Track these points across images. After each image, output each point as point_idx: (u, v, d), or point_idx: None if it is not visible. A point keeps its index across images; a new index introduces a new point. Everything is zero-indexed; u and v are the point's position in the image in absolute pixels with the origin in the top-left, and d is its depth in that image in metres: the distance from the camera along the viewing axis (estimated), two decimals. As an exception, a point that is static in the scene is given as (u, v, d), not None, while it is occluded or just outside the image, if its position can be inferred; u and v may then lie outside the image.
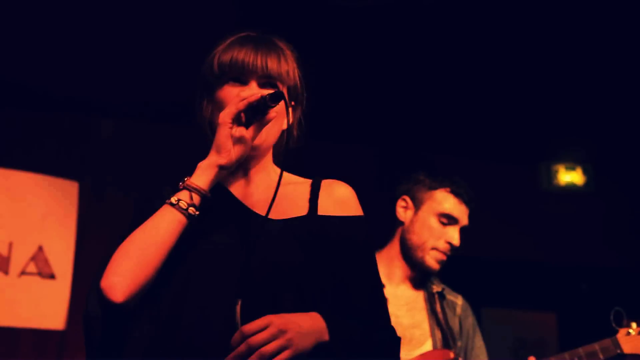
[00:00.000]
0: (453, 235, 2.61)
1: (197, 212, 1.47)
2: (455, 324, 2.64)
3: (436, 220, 2.62)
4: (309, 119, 1.72)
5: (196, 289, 1.45)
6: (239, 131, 1.50)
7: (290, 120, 1.63)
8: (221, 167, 1.50)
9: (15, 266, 4.31)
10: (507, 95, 4.32)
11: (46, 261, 4.35)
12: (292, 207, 1.58)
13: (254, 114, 1.51)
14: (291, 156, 1.61)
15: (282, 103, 1.53)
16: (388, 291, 2.60)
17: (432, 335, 2.58)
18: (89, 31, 3.71)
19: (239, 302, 1.40)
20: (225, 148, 1.49)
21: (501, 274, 5.08)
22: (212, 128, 1.57)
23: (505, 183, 5.17)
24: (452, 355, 2.52)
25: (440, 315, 2.61)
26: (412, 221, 2.65)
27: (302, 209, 1.58)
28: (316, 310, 1.44)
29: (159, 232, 1.44)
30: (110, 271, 1.41)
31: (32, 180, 4.43)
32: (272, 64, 1.58)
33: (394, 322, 2.50)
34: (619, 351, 2.53)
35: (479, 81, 4.17)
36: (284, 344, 1.35)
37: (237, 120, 1.50)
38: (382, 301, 1.59)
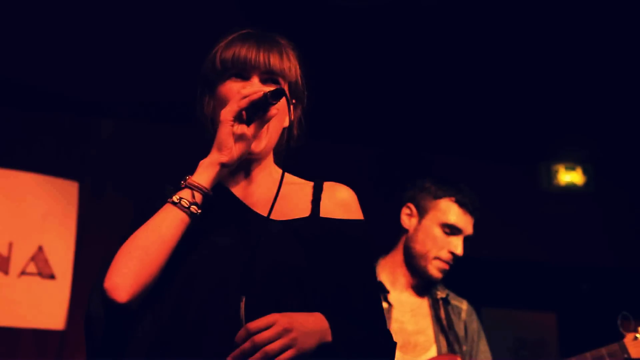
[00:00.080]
0: (457, 245, 2.60)
1: (199, 211, 1.47)
2: (460, 328, 2.64)
3: (440, 230, 2.61)
4: (310, 119, 1.72)
5: (198, 288, 1.44)
6: (241, 129, 1.49)
7: (292, 118, 1.63)
8: (223, 165, 1.49)
9: (15, 266, 4.30)
10: (507, 96, 4.32)
11: (46, 261, 4.35)
12: (293, 208, 1.58)
13: (255, 111, 1.51)
14: (291, 156, 1.61)
15: (283, 100, 1.53)
16: (392, 297, 2.61)
17: (437, 341, 2.58)
18: (89, 31, 3.71)
19: (243, 299, 1.40)
20: (227, 146, 1.48)
21: (501, 274, 5.08)
22: (214, 124, 1.57)
23: (505, 183, 5.16)
24: (459, 359, 2.53)
25: (445, 322, 2.61)
26: (416, 229, 2.64)
27: (304, 211, 1.58)
28: (316, 312, 1.44)
29: (161, 231, 1.44)
30: (114, 272, 1.41)
31: (32, 180, 4.43)
32: (275, 60, 1.58)
33: (398, 328, 2.55)
34: (626, 356, 2.52)
35: (479, 81, 4.17)
36: (289, 343, 1.35)
37: (238, 118, 1.50)
38: (379, 305, 1.60)
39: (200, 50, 1.74)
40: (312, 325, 1.40)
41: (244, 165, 1.60)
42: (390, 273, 2.66)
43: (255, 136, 1.53)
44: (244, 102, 1.49)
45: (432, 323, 2.61)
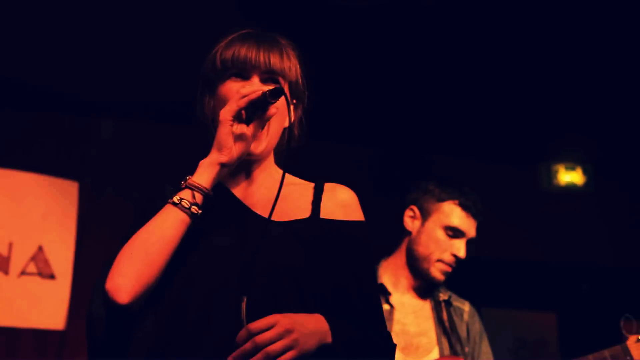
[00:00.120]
0: (459, 248, 2.60)
1: (200, 211, 1.47)
2: (462, 330, 2.64)
3: (443, 232, 2.61)
4: (310, 119, 1.71)
5: (199, 289, 1.44)
6: (240, 128, 1.49)
7: (292, 118, 1.63)
8: (223, 165, 1.49)
9: (15, 266, 4.31)
10: (506, 95, 4.32)
11: (46, 261, 4.35)
12: (294, 209, 1.58)
13: (255, 111, 1.50)
14: (292, 156, 1.61)
15: (283, 100, 1.53)
16: (395, 299, 2.61)
17: (439, 343, 2.58)
18: (89, 31, 3.71)
19: (245, 300, 1.40)
20: (227, 146, 1.48)
21: (501, 274, 5.08)
22: (214, 124, 1.56)
23: (505, 183, 5.16)
24: None
25: (447, 324, 2.61)
26: (419, 232, 2.64)
27: (304, 212, 1.58)
28: (317, 313, 1.44)
29: (162, 232, 1.44)
30: (115, 273, 1.41)
31: (32, 180, 4.43)
32: (275, 59, 1.58)
33: (400, 330, 2.55)
34: (628, 358, 2.51)
35: (479, 81, 4.17)
36: (290, 344, 1.35)
37: (237, 118, 1.50)
38: (379, 306, 1.60)
39: (200, 50, 1.74)
40: (312, 326, 1.40)
41: (245, 166, 1.60)
42: (393, 275, 2.66)
43: (255, 135, 1.52)
44: (243, 102, 1.48)
45: (435, 325, 2.61)
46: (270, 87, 1.50)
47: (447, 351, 2.56)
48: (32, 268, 4.33)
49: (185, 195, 1.47)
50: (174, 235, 1.44)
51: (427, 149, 5.00)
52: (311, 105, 1.71)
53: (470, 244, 2.67)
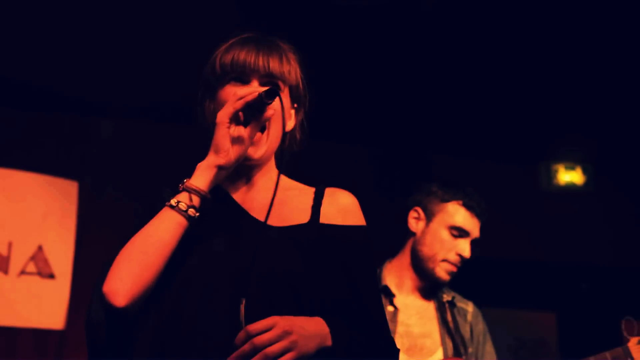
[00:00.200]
0: (464, 247, 2.62)
1: (197, 214, 1.47)
2: (466, 330, 2.65)
3: (447, 232, 2.62)
4: (310, 119, 1.71)
5: (197, 292, 1.44)
6: (237, 130, 1.49)
7: (292, 120, 1.63)
8: (220, 168, 1.49)
9: (14, 266, 4.31)
10: (506, 95, 4.32)
11: (46, 261, 4.35)
12: (293, 213, 1.58)
13: (252, 113, 1.50)
14: (292, 158, 1.61)
15: (284, 104, 1.52)
16: (399, 301, 2.62)
17: (443, 344, 2.59)
18: (89, 31, 3.71)
19: (243, 302, 1.39)
20: (224, 148, 1.48)
21: (501, 274, 5.08)
22: (214, 128, 1.57)
23: (505, 183, 5.16)
24: None
25: (451, 325, 2.62)
26: (423, 232, 2.66)
27: (304, 217, 1.58)
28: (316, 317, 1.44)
29: (159, 234, 1.44)
30: (112, 276, 1.41)
31: (32, 180, 4.43)
32: (274, 64, 1.58)
33: (404, 331, 2.56)
34: None
35: (479, 81, 4.17)
36: (288, 346, 1.35)
37: (235, 120, 1.49)
38: (381, 310, 1.59)
39: (199, 50, 1.73)
40: (312, 329, 1.40)
41: (245, 170, 1.60)
42: (397, 276, 2.67)
43: (253, 138, 1.52)
44: (239, 104, 1.48)
45: (439, 326, 2.62)
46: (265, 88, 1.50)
47: (451, 352, 2.57)
48: (31, 268, 4.33)
49: (182, 198, 1.46)
50: (171, 238, 1.44)
51: (427, 148, 5.00)
52: (312, 105, 1.71)
53: (471, 244, 2.68)
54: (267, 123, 1.54)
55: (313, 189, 1.64)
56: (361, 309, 1.53)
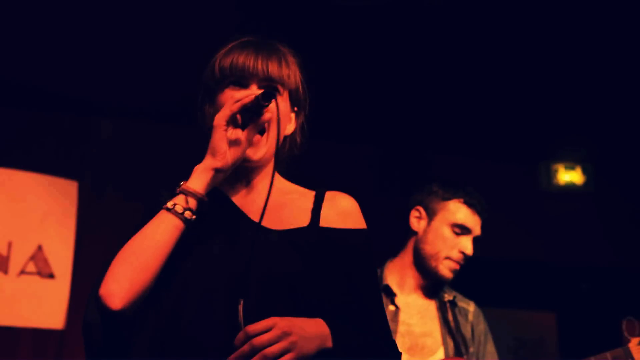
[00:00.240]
0: (466, 245, 2.64)
1: (194, 216, 1.47)
2: (467, 330, 2.66)
3: (449, 230, 2.64)
4: (310, 119, 1.71)
5: (194, 294, 1.44)
6: (235, 133, 1.49)
7: (292, 123, 1.63)
8: (217, 170, 1.49)
9: (14, 266, 4.31)
10: (507, 95, 4.32)
11: (45, 261, 4.35)
12: (293, 217, 1.58)
13: (250, 115, 1.50)
14: (292, 160, 1.61)
15: (283, 107, 1.52)
16: (400, 300, 2.63)
17: (444, 343, 2.59)
18: (89, 31, 3.71)
19: (242, 302, 1.39)
20: (220, 151, 1.48)
21: (501, 274, 5.08)
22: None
23: (505, 183, 5.16)
24: None
25: (452, 324, 2.63)
26: (425, 231, 2.67)
27: (304, 220, 1.58)
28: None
29: (155, 237, 1.44)
30: (108, 278, 1.41)
31: (32, 180, 4.43)
32: (273, 67, 1.57)
33: (406, 330, 2.57)
34: None
35: (479, 81, 4.17)
36: (288, 347, 1.35)
37: (232, 122, 1.49)
38: (383, 313, 1.59)
39: (199, 50, 1.74)
40: (312, 330, 1.40)
41: (245, 173, 1.60)
42: (399, 275, 2.68)
43: (251, 140, 1.52)
44: (236, 106, 1.48)
45: (440, 325, 2.63)
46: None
47: (452, 351, 2.58)
48: (31, 267, 4.33)
49: (179, 201, 1.47)
50: (167, 240, 1.44)
51: (427, 148, 5.00)
52: (312, 105, 1.70)
53: (473, 242, 2.69)
54: (266, 125, 1.54)
55: (313, 193, 1.64)
56: (362, 310, 1.52)
